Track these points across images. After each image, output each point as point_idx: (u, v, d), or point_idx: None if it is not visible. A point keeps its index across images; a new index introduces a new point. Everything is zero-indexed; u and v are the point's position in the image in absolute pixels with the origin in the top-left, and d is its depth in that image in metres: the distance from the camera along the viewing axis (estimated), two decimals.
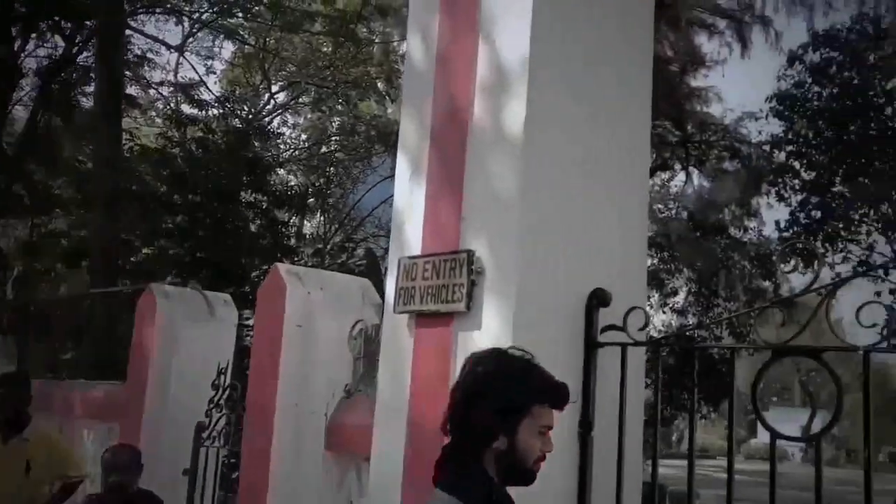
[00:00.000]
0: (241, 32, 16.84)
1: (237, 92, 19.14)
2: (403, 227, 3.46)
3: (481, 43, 3.23)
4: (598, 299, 2.96)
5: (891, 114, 17.54)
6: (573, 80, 3.16)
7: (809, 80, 17.97)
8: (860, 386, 2.66)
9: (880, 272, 16.85)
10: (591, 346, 2.95)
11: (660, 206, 20.27)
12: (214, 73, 18.91)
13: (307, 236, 19.97)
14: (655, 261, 20.10)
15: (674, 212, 20.21)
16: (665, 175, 21.12)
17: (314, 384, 4.46)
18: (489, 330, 2.92)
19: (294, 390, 4.45)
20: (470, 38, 3.28)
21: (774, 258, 16.98)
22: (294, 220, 18.15)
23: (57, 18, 11.37)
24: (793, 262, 2.73)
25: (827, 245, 18.20)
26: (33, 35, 11.94)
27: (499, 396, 1.85)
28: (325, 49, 17.98)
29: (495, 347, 2.09)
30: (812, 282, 2.63)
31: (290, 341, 4.48)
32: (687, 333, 15.50)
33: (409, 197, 3.46)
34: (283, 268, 4.76)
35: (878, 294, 17.03)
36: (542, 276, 2.96)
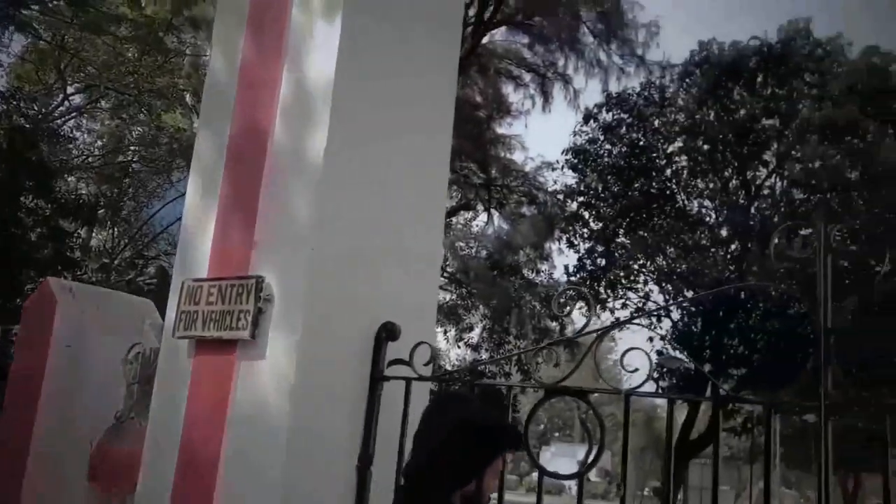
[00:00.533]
0: (36, 26, 15.56)
1: (26, 89, 17.63)
2: (190, 248, 3.30)
3: (287, 67, 3.18)
4: (387, 333, 2.97)
5: (670, 175, 19.24)
6: (376, 114, 3.18)
7: (602, 138, 19.38)
8: (631, 424, 2.83)
9: (642, 320, 18.35)
10: (377, 380, 2.94)
11: (461, 243, 20.91)
12: (1, 65, 17.32)
13: (94, 249, 18.64)
14: (454, 297, 20.69)
15: (474, 250, 20.93)
16: (468, 214, 21.87)
17: (81, 409, 4.12)
18: (274, 360, 2.84)
19: (57, 415, 4.08)
20: (276, 61, 3.22)
21: (552, 301, 17.96)
22: (81, 231, 16.89)
23: None
24: (567, 307, 2.87)
25: (609, 291, 19.54)
26: None
27: (478, 448, 2.07)
28: (130, 55, 17.03)
29: (460, 395, 2.37)
30: (584, 325, 2.79)
31: (56, 362, 4.11)
32: (479, 369, 16.01)
33: (199, 217, 3.31)
34: (54, 282, 4.39)
35: (651, 339, 18.43)
36: (332, 306, 2.93)
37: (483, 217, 21.48)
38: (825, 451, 2.50)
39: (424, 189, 3.38)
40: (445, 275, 20.26)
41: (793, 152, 16.97)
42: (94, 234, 19.01)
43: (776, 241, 2.75)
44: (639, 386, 2.65)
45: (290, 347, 2.81)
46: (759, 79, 18.01)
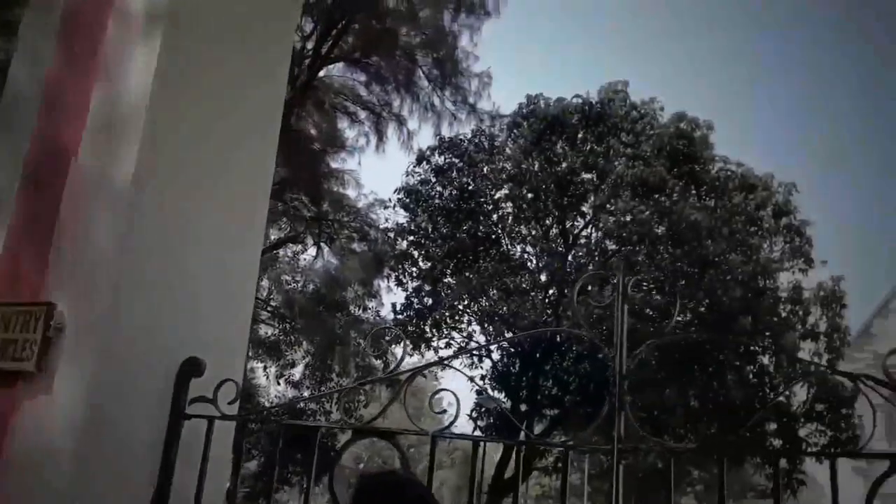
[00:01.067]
0: None
1: None
2: None
3: (98, 86, 3.01)
4: (191, 368, 2.83)
5: (496, 220, 19.92)
6: (193, 140, 3.07)
7: (433, 180, 19.79)
8: (451, 463, 2.84)
9: (462, 358, 18.79)
10: (177, 418, 2.79)
11: (287, 277, 20.52)
12: None
13: None
14: (277, 332, 20.21)
15: (300, 284, 20.58)
16: (296, 247, 21.53)
17: None
18: (62, 395, 2.63)
19: None
20: (87, 79, 3.04)
21: (366, 339, 17.99)
22: None
23: None
24: (382, 346, 2.87)
25: (434, 330, 19.82)
26: None
27: None
28: None
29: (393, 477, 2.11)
30: (396, 365, 2.79)
31: None
32: (297, 407, 15.67)
33: None
34: None
35: (472, 379, 18.81)
36: (133, 338, 2.76)
37: (312, 251, 21.23)
38: (617, 492, 2.63)
39: (241, 220, 3.29)
40: (269, 309, 19.79)
41: (607, 205, 18.04)
42: None
43: (577, 289, 2.89)
44: (446, 427, 2.68)
45: (81, 381, 2.62)
46: (580, 135, 19.10)
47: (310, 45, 16.21)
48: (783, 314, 17.81)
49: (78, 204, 2.85)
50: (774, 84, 74.73)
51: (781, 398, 16.35)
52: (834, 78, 73.66)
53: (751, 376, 16.92)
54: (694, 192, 17.92)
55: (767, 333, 16.76)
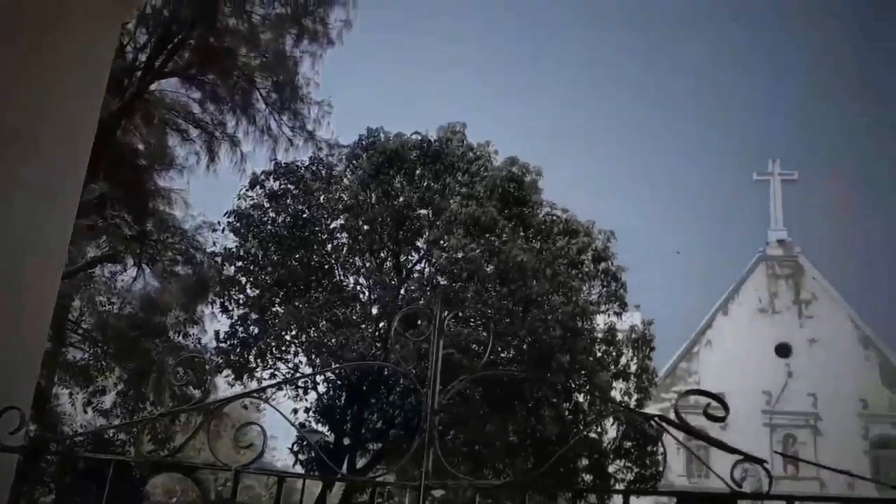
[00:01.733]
0: None
1: None
2: None
3: None
4: None
5: (330, 250, 19.74)
6: None
7: (267, 205, 19.36)
8: (269, 497, 2.72)
9: (288, 389, 18.41)
10: None
11: (102, 298, 19.28)
12: None
13: None
14: (87, 356, 18.91)
15: (116, 307, 19.40)
16: (115, 267, 20.31)
17: None
18: None
19: None
20: None
21: (169, 369, 17.26)
22: None
23: None
24: (185, 375, 2.73)
25: (258, 360, 19.24)
26: None
27: None
28: None
29: None
30: (203, 397, 2.67)
31: None
32: (105, 436, 14.67)
33: None
34: None
35: (296, 411, 18.43)
36: None
37: (132, 272, 20.09)
38: None
39: (40, 229, 3.05)
40: (80, 331, 18.50)
41: (441, 242, 18.37)
42: None
43: (396, 323, 2.89)
44: (251, 462, 2.58)
45: None
46: (418, 171, 19.40)
47: (143, 57, 15.54)
48: (598, 354, 18.77)
49: None
50: (600, 140, 79.61)
51: (593, 435, 17.14)
52: (652, 138, 79.47)
53: (567, 413, 17.65)
54: (522, 233, 18.62)
55: (583, 372, 17.58)
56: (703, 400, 2.40)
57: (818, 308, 37.00)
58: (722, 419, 2.28)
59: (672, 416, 2.58)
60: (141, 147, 17.56)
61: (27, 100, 3.00)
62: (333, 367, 15.66)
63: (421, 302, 18.21)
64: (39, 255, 3.04)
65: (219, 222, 19.30)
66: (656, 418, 2.49)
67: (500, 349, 17.01)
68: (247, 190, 19.24)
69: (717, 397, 2.29)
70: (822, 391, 34.56)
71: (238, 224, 19.15)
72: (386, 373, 17.93)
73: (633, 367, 19.68)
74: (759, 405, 34.74)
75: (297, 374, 19.09)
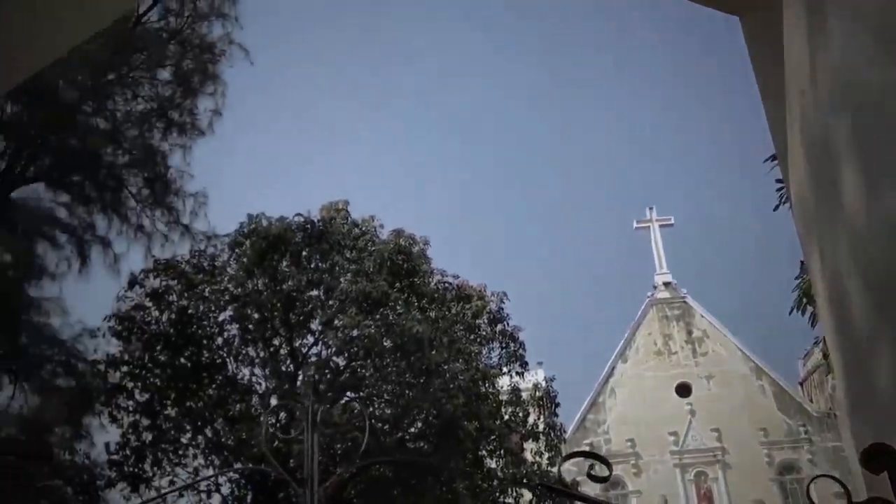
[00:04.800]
0: None
1: None
2: None
3: None
4: None
5: (221, 343, 19.06)
6: None
7: (149, 305, 18.60)
8: None
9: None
10: None
11: None
12: None
13: None
14: None
15: None
16: None
17: None
18: None
19: None
20: None
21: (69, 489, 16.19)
22: None
23: None
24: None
25: (156, 468, 18.21)
26: None
27: None
28: None
29: None
30: None
31: None
32: None
33: None
34: None
35: None
36: None
37: (8, 391, 18.76)
38: None
39: None
40: None
41: (335, 322, 18.06)
42: None
43: (266, 424, 2.70)
44: None
45: None
46: (305, 252, 19.14)
47: (2, 165, 14.86)
48: (505, 416, 18.69)
49: None
50: (483, 201, 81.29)
51: (510, 500, 16.92)
52: (541, 195, 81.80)
53: (480, 482, 17.38)
54: (416, 303, 18.54)
55: (493, 437, 17.43)
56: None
57: (710, 344, 38.35)
58: (605, 479, 2.20)
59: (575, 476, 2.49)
60: (7, 258, 16.63)
61: None
62: (214, 474, 14.85)
63: (321, 387, 17.75)
64: None
65: (99, 328, 18.34)
66: (540, 485, 2.39)
67: (405, 424, 16.70)
68: (126, 291, 18.46)
69: (599, 456, 2.22)
70: (724, 425, 35.58)
71: (120, 327, 18.30)
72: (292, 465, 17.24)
73: (541, 426, 19.67)
74: (667, 447, 35.40)
75: (198, 478, 18.13)
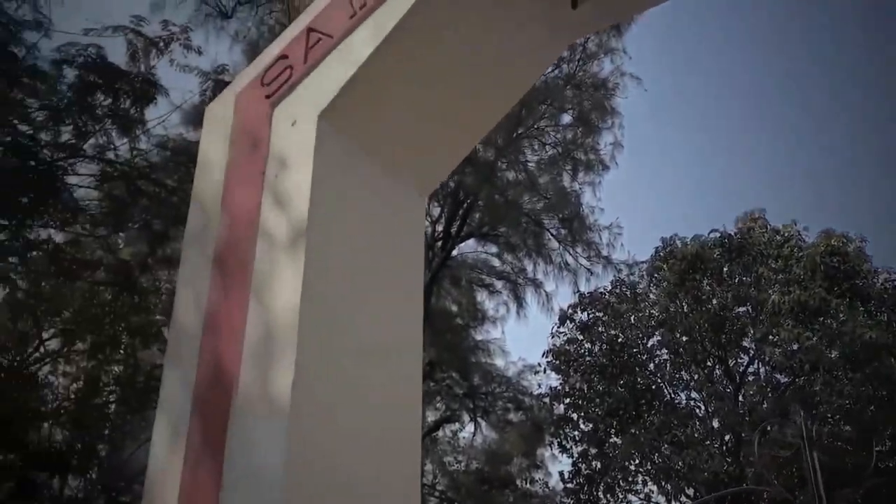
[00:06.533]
0: (13, 276, 15.76)
1: (1, 338, 17.53)
2: (156, 498, 3.10)
3: (252, 307, 3.16)
4: None
5: (654, 369, 19.19)
6: (344, 346, 3.13)
7: (580, 337, 19.49)
8: None
9: None
10: None
11: (449, 458, 20.25)
12: None
13: (67, 499, 17.72)
14: None
15: (463, 464, 20.22)
16: (454, 426, 21.36)
17: None
18: None
19: None
20: (241, 301, 3.20)
21: None
22: (53, 481, 16.15)
23: None
24: None
25: (608, 496, 18.79)
26: None
27: None
28: (107, 296, 17.17)
29: None
30: None
31: None
32: None
33: (165, 464, 3.15)
34: None
35: None
36: None
37: (470, 427, 20.98)
38: None
39: (398, 417, 3.27)
40: (436, 494, 19.44)
41: (770, 337, 17.08)
42: (67, 483, 18.17)
43: (756, 443, 2.64)
44: None
45: None
46: (725, 269, 18.51)
47: (440, 228, 16.85)
48: None
49: (243, 425, 2.92)
50: None
51: None
52: None
53: None
54: (861, 307, 16.73)
55: None
56: None
57: None
58: None
59: None
60: (454, 309, 18.75)
61: (365, 297, 3.33)
62: (712, 495, 14.55)
63: (764, 406, 16.83)
64: (401, 439, 3.25)
65: (539, 364, 19.72)
66: None
67: (874, 443, 14.98)
68: (558, 327, 19.59)
69: None
70: None
71: (557, 361, 19.42)
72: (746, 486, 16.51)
73: None
74: None
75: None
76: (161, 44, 11.89)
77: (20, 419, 13.31)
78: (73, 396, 19.78)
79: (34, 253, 13.86)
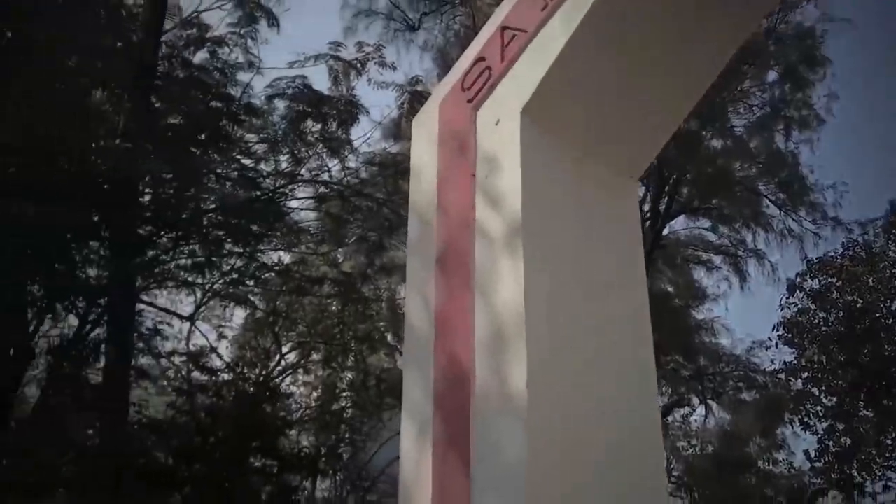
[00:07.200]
0: (252, 298, 17.25)
1: (248, 356, 19.27)
2: (412, 493, 3.26)
3: (478, 301, 3.24)
4: None
5: None
6: (572, 336, 3.13)
7: (813, 307, 18.14)
8: None
9: None
10: None
11: (683, 443, 19.64)
12: (226, 338, 19.14)
13: (320, 500, 19.14)
14: (687, 503, 19.13)
15: (697, 448, 19.54)
16: (684, 410, 20.69)
17: None
18: None
19: None
20: (466, 298, 3.29)
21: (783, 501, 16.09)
22: (306, 483, 17.49)
23: (72, 298, 11.67)
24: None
25: (864, 474, 17.36)
26: (49, 316, 12.20)
27: None
28: (334, 308, 18.36)
29: None
30: None
31: None
32: None
33: (416, 459, 3.30)
34: None
35: None
36: None
37: (700, 411, 20.22)
38: None
39: (635, 408, 3.22)
40: (672, 480, 18.91)
41: None
42: (317, 485, 19.61)
43: None
44: None
45: None
46: None
47: (646, 207, 16.38)
48: None
49: (485, 420, 3.00)
50: None
51: None
52: None
53: None
54: None
55: None
56: None
57: None
58: None
59: None
60: (671, 290, 18.16)
61: (589, 289, 3.30)
62: None
63: None
64: (636, 410, 3.20)
65: (769, 338, 18.60)
66: None
67: None
68: (787, 298, 18.35)
69: None
70: None
71: (789, 334, 18.20)
72: None
73: None
74: None
75: None
76: (358, 65, 12.53)
77: (272, 428, 14.53)
78: (313, 404, 21.34)
79: (268, 275, 15.08)
